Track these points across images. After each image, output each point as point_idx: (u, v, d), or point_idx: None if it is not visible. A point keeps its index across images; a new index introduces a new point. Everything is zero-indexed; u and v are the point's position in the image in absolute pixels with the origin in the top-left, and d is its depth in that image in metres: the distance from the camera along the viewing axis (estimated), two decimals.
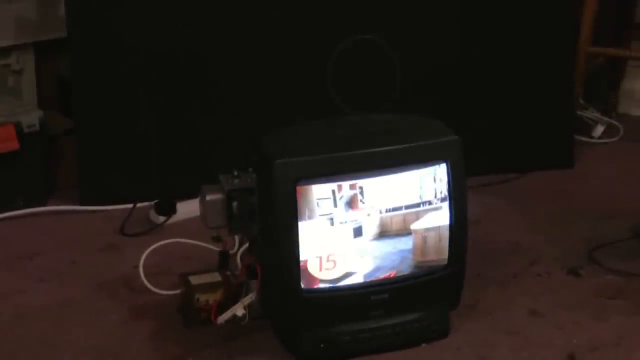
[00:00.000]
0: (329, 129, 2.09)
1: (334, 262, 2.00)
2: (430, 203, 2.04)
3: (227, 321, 2.08)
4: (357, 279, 2.03)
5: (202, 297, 2.14)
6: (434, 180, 2.03)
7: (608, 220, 2.72)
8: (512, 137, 3.08)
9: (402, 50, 2.80)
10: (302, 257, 1.97)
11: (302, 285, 1.98)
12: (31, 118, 2.79)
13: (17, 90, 3.13)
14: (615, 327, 2.20)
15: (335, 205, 1.98)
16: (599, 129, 3.41)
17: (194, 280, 2.18)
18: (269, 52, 2.87)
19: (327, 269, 2.00)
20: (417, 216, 2.04)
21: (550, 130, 3.10)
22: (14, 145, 2.75)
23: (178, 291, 2.26)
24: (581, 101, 3.43)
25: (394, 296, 2.05)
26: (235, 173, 2.11)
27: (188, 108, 2.87)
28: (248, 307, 2.08)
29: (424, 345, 2.11)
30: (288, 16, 2.86)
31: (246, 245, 2.23)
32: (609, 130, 3.43)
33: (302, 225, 1.95)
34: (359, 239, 2.02)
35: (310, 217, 1.96)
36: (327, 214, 1.98)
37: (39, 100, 3.16)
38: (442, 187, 2.04)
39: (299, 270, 1.97)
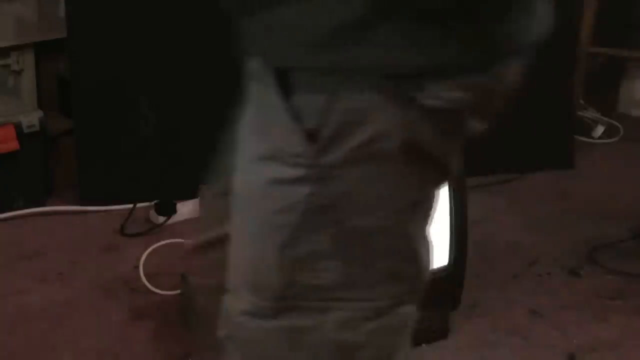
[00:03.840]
0: None
1: None
2: None
3: None
4: None
5: None
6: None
7: (608, 220, 2.72)
8: (512, 137, 3.07)
9: None
10: None
11: None
12: (31, 118, 2.79)
13: (17, 90, 3.13)
14: (615, 327, 2.20)
15: None
16: (599, 129, 3.40)
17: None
18: None
19: None
20: None
21: (550, 130, 3.10)
22: (14, 145, 2.74)
23: (178, 291, 2.26)
24: (581, 101, 3.43)
25: None
26: None
27: (188, 108, 2.87)
28: None
29: (424, 345, 2.11)
30: None
31: None
32: (609, 130, 3.43)
33: None
34: None
35: None
36: None
37: (39, 100, 3.16)
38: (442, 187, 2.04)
39: None
